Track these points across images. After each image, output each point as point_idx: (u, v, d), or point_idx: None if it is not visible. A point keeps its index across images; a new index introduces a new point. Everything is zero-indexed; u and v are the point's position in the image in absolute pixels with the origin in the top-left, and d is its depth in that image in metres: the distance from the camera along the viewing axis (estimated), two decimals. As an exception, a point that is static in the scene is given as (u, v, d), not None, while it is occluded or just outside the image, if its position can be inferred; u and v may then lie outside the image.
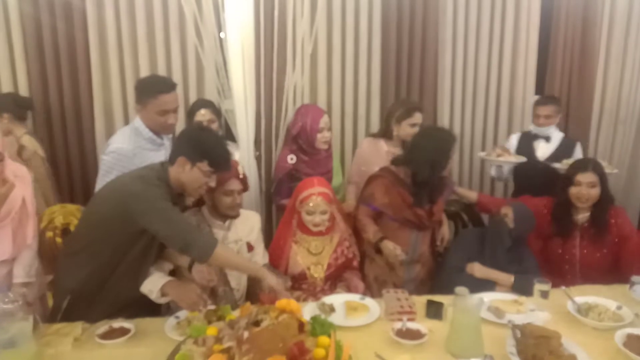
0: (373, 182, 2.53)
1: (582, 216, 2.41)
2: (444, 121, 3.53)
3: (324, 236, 2.39)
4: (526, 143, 3.10)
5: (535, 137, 3.08)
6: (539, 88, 3.58)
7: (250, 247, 2.28)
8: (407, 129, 2.72)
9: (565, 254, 2.39)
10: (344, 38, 3.28)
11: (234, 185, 2.18)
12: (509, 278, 2.20)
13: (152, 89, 2.28)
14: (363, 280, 2.45)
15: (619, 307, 1.94)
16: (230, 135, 2.84)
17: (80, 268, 1.95)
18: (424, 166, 2.35)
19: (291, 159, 2.73)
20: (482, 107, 3.57)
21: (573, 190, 2.39)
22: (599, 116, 3.58)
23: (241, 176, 2.21)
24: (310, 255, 2.38)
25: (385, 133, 2.84)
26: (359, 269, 2.51)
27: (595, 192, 2.36)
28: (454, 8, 3.38)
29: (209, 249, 1.80)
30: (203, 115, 2.76)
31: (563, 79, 3.48)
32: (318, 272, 2.36)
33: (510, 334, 1.73)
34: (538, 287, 2.01)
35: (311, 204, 2.29)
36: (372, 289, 2.48)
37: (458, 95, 3.53)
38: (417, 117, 2.74)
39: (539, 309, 1.97)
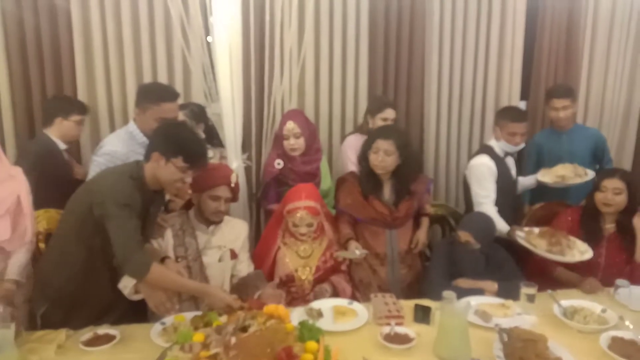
0: (338, 186, 2.63)
1: (610, 225, 2.41)
2: (430, 124, 3.55)
3: (313, 240, 2.40)
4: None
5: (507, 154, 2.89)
6: (524, 92, 3.62)
7: (233, 255, 2.27)
8: (379, 122, 2.85)
9: (591, 262, 2.32)
10: (332, 42, 3.29)
11: (222, 192, 2.18)
12: (492, 285, 2.21)
13: (155, 95, 2.29)
14: (351, 283, 2.45)
15: (603, 310, 1.96)
16: (215, 141, 2.83)
17: (58, 272, 1.95)
18: (361, 158, 2.54)
19: (278, 163, 2.73)
20: (469, 110, 3.59)
21: (599, 196, 2.38)
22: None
23: (232, 185, 2.20)
24: (299, 258, 2.38)
25: (364, 128, 2.97)
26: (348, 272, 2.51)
27: (621, 199, 2.34)
28: (440, 12, 3.40)
29: (143, 270, 1.82)
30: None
31: (548, 83, 3.52)
32: (306, 275, 2.36)
33: (497, 337, 1.74)
34: (524, 290, 2.03)
35: (297, 217, 2.33)
36: (359, 292, 2.47)
37: (444, 98, 3.55)
38: (389, 113, 2.87)
39: (526, 312, 1.98)
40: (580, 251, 2.24)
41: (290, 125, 2.73)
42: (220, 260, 2.23)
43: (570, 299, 2.06)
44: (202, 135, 2.79)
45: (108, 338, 1.81)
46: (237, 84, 2.57)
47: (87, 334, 1.83)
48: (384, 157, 2.43)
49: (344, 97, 3.39)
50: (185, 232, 2.20)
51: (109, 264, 1.91)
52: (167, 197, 2.30)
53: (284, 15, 2.78)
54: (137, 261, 1.83)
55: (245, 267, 2.30)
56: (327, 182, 2.88)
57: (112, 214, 1.81)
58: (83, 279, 1.96)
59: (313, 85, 3.31)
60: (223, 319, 1.80)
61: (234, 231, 2.32)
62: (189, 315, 1.94)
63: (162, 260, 2.07)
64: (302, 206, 2.33)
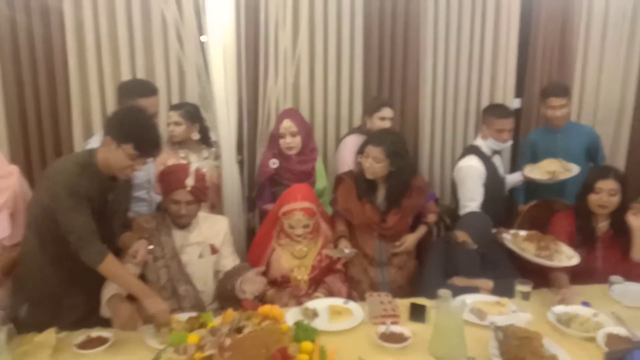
0: (337, 185, 2.62)
1: (602, 224, 2.40)
2: (425, 123, 3.55)
3: (309, 240, 2.39)
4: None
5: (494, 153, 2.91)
6: (519, 90, 3.62)
7: (214, 250, 2.25)
8: (377, 122, 2.86)
9: (588, 264, 2.32)
10: (327, 42, 3.28)
11: (181, 195, 2.12)
12: (488, 283, 2.21)
13: (132, 92, 2.28)
14: (347, 281, 2.45)
15: (595, 315, 1.92)
16: (210, 141, 2.83)
17: (31, 273, 1.96)
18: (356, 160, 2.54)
19: (273, 163, 2.72)
20: (464, 109, 3.59)
21: (593, 198, 2.35)
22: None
23: (189, 188, 2.12)
24: (294, 259, 2.37)
25: (362, 128, 2.97)
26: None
27: (616, 199, 2.34)
28: (434, 12, 3.40)
29: (97, 260, 1.84)
30: (170, 117, 2.74)
31: (542, 81, 3.52)
32: (302, 274, 2.35)
33: (493, 335, 1.74)
34: (519, 288, 2.03)
35: (294, 219, 2.32)
36: (355, 291, 2.46)
37: (439, 97, 3.55)
38: (386, 112, 2.87)
39: (521, 310, 1.99)
40: (567, 256, 2.22)
41: (287, 123, 2.72)
42: (200, 256, 2.22)
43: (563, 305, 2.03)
44: (198, 136, 2.79)
45: (101, 341, 1.80)
46: (231, 84, 2.57)
47: (80, 336, 1.83)
48: (373, 163, 2.42)
49: (339, 97, 3.39)
50: (161, 232, 2.19)
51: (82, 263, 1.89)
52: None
53: (278, 15, 2.77)
54: (91, 251, 1.84)
55: (230, 261, 2.28)
56: (322, 181, 2.87)
57: (62, 203, 1.81)
58: (56, 280, 1.97)
59: (308, 85, 3.30)
60: (217, 320, 1.79)
61: (214, 227, 2.30)
62: (183, 316, 1.94)
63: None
64: (298, 208, 2.32)
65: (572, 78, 3.57)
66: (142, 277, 2.13)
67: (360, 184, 2.52)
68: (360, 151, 2.49)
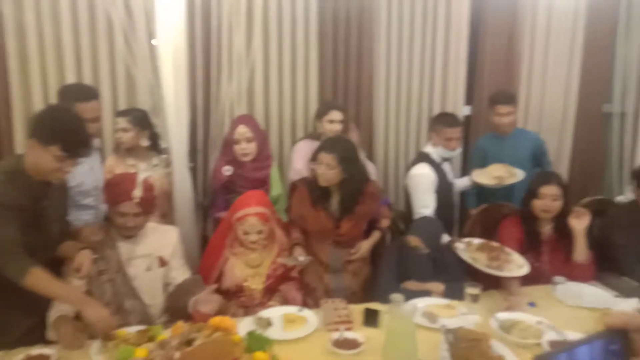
0: (291, 193, 2.63)
1: (546, 228, 2.48)
2: (379, 130, 3.60)
3: (263, 248, 2.37)
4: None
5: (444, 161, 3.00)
6: (469, 98, 3.74)
7: (162, 262, 2.18)
8: (326, 125, 2.89)
9: (534, 265, 2.37)
10: (281, 48, 3.28)
11: (127, 208, 2.06)
12: (439, 286, 2.25)
13: (70, 96, 2.22)
14: (302, 289, 2.44)
15: (539, 322, 1.94)
16: (160, 148, 2.76)
17: None
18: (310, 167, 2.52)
19: (227, 170, 2.68)
20: (416, 116, 3.67)
21: (537, 203, 2.43)
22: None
23: (136, 200, 2.05)
24: (248, 268, 2.34)
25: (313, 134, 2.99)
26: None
27: (559, 204, 2.42)
28: (387, 21, 3.46)
29: (19, 276, 1.73)
30: (117, 123, 2.66)
31: (490, 89, 3.62)
32: (256, 284, 2.32)
33: (444, 338, 1.77)
34: (468, 291, 2.08)
35: (247, 225, 2.28)
36: (311, 298, 2.46)
37: (393, 104, 3.61)
38: (334, 114, 2.90)
39: (471, 312, 2.03)
40: (517, 265, 2.28)
41: (242, 129, 2.69)
42: (148, 269, 2.15)
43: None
44: (147, 143, 2.71)
45: (42, 359, 1.71)
46: (183, 88, 2.51)
47: (19, 355, 1.72)
48: (326, 170, 2.43)
49: (294, 102, 3.39)
50: (105, 245, 2.10)
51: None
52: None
53: (232, 19, 2.74)
54: (12, 266, 1.73)
55: (180, 274, 2.22)
56: (277, 188, 2.85)
57: None
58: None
59: (263, 91, 3.28)
60: (167, 333, 1.74)
61: (164, 238, 2.24)
62: (131, 329, 1.87)
63: None
64: (252, 213, 2.29)
65: (518, 86, 3.72)
66: (88, 292, 2.03)
67: (314, 190, 2.52)
68: (313, 158, 2.49)
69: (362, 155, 2.86)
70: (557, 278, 2.29)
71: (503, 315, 1.98)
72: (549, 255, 2.47)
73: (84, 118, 2.13)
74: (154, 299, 2.16)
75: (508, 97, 3.13)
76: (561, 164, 3.87)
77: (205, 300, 2.00)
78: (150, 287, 2.15)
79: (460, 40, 3.56)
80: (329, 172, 2.43)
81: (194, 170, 2.77)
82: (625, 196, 3.00)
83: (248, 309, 2.25)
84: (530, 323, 1.92)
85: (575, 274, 2.36)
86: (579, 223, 2.40)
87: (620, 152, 3.78)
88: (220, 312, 2.11)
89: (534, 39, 3.70)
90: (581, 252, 2.38)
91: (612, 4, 3.63)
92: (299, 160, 2.76)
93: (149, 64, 2.63)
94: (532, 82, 3.77)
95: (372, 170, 3.14)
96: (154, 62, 2.61)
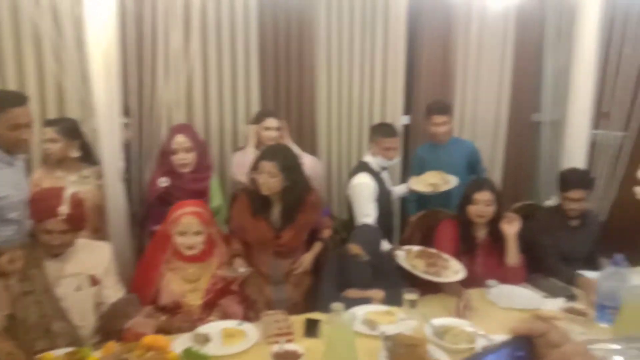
0: (232, 203, 2.59)
1: (481, 232, 2.58)
2: (321, 139, 3.63)
3: (202, 262, 2.30)
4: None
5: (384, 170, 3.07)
6: (408, 108, 3.84)
7: (94, 281, 2.08)
8: (262, 132, 2.90)
9: (470, 270, 2.44)
10: (221, 56, 3.24)
11: (53, 225, 1.96)
12: (379, 293, 2.27)
13: (2, 103, 2.07)
14: (243, 302, 2.39)
15: (470, 325, 1.99)
16: (92, 158, 2.63)
17: None
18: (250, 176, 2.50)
19: (163, 181, 2.60)
20: (357, 124, 3.73)
21: (472, 209, 2.53)
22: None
23: (63, 217, 1.96)
24: (186, 283, 2.26)
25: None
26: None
27: (492, 209, 2.52)
28: (327, 29, 3.50)
29: None
30: (44, 133, 2.53)
31: (427, 100, 3.73)
32: (195, 300, 2.24)
33: (383, 345, 1.79)
34: (407, 297, 2.12)
35: (183, 224, 2.19)
36: (252, 311, 2.41)
37: (335, 113, 3.66)
38: (270, 122, 2.91)
39: (409, 317, 2.07)
40: (454, 271, 2.36)
41: (180, 138, 2.62)
42: (78, 289, 2.03)
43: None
44: (78, 154, 2.58)
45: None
46: (115, 95, 2.41)
47: None
48: (267, 178, 2.41)
49: (236, 111, 3.36)
50: (30, 264, 1.97)
51: None
52: None
53: (168, 24, 2.67)
54: None
55: (113, 292, 2.12)
56: (217, 199, 2.80)
57: None
58: None
59: (202, 99, 3.23)
60: (97, 354, 1.65)
61: (95, 255, 2.14)
62: (59, 352, 1.76)
63: None
64: (188, 211, 2.21)
65: (454, 97, 3.86)
66: (12, 316, 1.88)
67: (255, 200, 2.49)
68: (254, 167, 2.46)
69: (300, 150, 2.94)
70: (490, 281, 2.38)
71: (437, 322, 2.01)
72: (484, 259, 2.57)
73: (21, 123, 2.07)
74: (85, 320, 2.04)
75: (443, 108, 3.24)
76: (495, 171, 4.04)
77: (141, 324, 1.93)
78: (81, 308, 2.03)
79: (397, 52, 3.66)
80: (270, 180, 2.41)
81: (127, 182, 2.65)
82: (553, 200, 3.16)
83: (188, 323, 2.17)
84: (463, 328, 1.96)
85: (507, 277, 2.47)
86: (510, 228, 2.51)
87: (549, 159, 4.00)
88: (164, 328, 2.04)
89: (467, 51, 3.86)
90: (513, 255, 2.49)
91: (539, 19, 3.85)
92: (238, 170, 2.75)
93: (78, 71, 2.51)
94: (467, 93, 3.93)
95: (315, 163, 3.17)
96: (84, 68, 2.49)
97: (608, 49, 3.27)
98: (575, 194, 2.66)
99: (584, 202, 2.71)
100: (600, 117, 3.43)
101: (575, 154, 3.31)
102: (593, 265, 2.65)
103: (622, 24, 3.19)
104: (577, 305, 2.18)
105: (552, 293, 2.33)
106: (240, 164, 2.84)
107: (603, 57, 3.29)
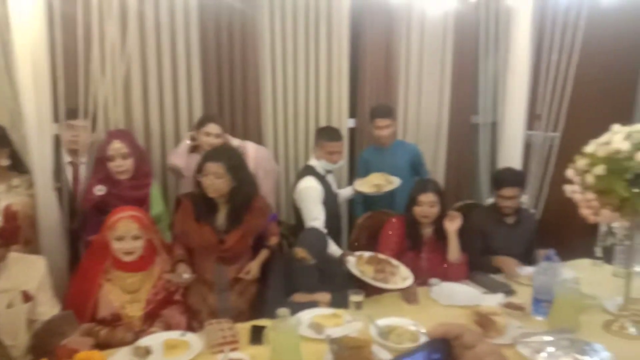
0: (175, 207, 2.52)
1: (427, 230, 2.66)
2: (268, 142, 3.60)
3: (142, 272, 2.21)
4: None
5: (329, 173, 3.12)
6: (353, 111, 3.88)
7: (27, 298, 1.97)
8: (202, 137, 2.85)
9: (415, 266, 2.54)
10: (160, 59, 3.14)
11: None
12: (325, 296, 2.28)
13: None
14: (186, 312, 2.32)
15: (415, 325, 2.01)
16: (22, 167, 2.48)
17: None
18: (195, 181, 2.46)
19: (99, 190, 2.48)
20: (304, 129, 3.73)
21: (417, 210, 2.61)
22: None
23: None
24: (125, 293, 2.17)
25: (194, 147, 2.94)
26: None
27: (436, 210, 2.61)
28: (271, 33, 3.48)
29: None
30: None
31: (371, 103, 3.80)
32: (135, 311, 2.15)
33: (329, 348, 1.78)
34: (352, 298, 2.13)
35: (120, 228, 2.11)
36: (196, 320, 2.35)
37: (280, 118, 3.63)
38: (211, 127, 2.86)
39: (355, 319, 2.08)
40: (402, 277, 2.39)
41: (117, 144, 2.52)
42: (9, 306, 1.92)
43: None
44: (7, 162, 2.42)
45: None
46: (45, 99, 2.29)
47: None
48: (214, 180, 2.36)
49: (177, 116, 3.27)
50: None
51: None
52: None
53: (102, 25, 2.55)
54: None
55: (48, 309, 2.01)
56: (158, 207, 2.71)
57: None
58: None
59: (141, 105, 3.12)
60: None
61: (28, 270, 2.02)
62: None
63: None
64: (126, 215, 2.14)
65: (397, 100, 3.95)
66: None
67: (199, 205, 2.43)
68: (199, 170, 2.40)
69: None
70: (433, 280, 2.44)
71: (382, 322, 2.04)
72: (429, 255, 2.66)
73: None
74: (16, 339, 1.92)
75: (386, 111, 3.30)
76: (437, 172, 4.16)
77: (77, 343, 1.83)
78: (12, 326, 1.91)
79: (341, 56, 3.69)
80: (217, 181, 2.36)
81: (60, 191, 2.51)
82: (491, 199, 3.29)
83: (131, 333, 2.08)
84: (407, 328, 1.99)
85: (450, 274, 2.55)
86: (452, 225, 2.60)
87: (487, 159, 4.16)
88: (105, 341, 1.95)
89: (409, 56, 3.96)
90: (454, 252, 2.58)
91: (476, 25, 3.99)
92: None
93: (4, 75, 2.36)
94: (409, 97, 4.03)
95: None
96: (10, 72, 2.34)
97: (539, 55, 3.45)
98: (508, 191, 2.79)
99: (517, 199, 2.84)
100: (533, 118, 3.60)
101: (511, 154, 3.47)
102: (530, 261, 2.78)
103: (550, 32, 3.37)
104: (515, 300, 2.28)
105: (492, 289, 2.42)
106: (174, 150, 2.92)
107: (535, 63, 3.47)
